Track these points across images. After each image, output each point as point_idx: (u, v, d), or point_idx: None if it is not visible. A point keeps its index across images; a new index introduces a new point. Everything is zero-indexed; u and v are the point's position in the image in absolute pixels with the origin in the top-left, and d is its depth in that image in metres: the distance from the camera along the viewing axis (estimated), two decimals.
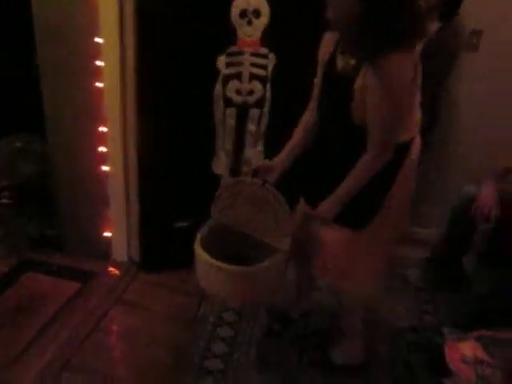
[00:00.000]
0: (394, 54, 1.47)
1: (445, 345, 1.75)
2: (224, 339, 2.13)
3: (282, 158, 1.87)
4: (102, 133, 2.29)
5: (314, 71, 2.41)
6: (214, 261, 1.68)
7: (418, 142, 1.77)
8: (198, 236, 1.81)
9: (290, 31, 2.18)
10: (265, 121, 2.33)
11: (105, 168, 2.36)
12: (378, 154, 1.61)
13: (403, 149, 1.69)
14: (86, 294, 2.34)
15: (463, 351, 1.72)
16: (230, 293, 1.78)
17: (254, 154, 2.40)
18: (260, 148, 2.40)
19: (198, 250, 1.74)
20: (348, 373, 1.98)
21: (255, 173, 1.84)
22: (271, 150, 2.40)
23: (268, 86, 2.27)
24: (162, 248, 2.49)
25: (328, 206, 1.71)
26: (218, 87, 2.22)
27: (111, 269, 2.51)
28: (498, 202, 2.18)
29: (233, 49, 2.17)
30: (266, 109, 2.31)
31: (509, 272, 2.16)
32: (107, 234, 2.50)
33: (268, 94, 2.29)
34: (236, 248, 1.84)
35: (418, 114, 1.74)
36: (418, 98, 1.70)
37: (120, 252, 2.53)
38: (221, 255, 1.71)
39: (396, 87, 1.50)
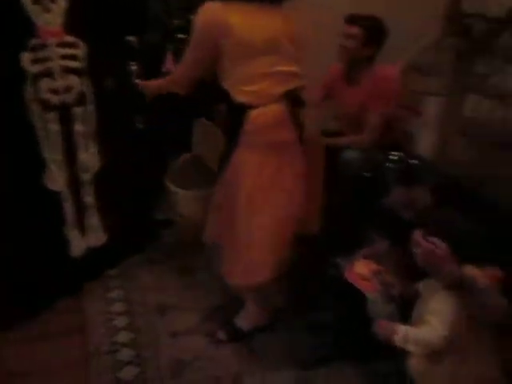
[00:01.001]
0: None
1: (344, 273, 1.93)
2: (131, 362, 1.91)
3: None
4: None
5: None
6: (174, 187, 2.39)
7: (265, 113, 1.76)
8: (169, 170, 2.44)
9: (96, 13, 1.97)
10: (92, 118, 2.08)
11: None
12: None
13: (239, 110, 1.76)
14: None
15: (359, 271, 1.93)
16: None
17: (88, 157, 2.12)
18: (94, 149, 2.13)
19: (166, 181, 2.42)
20: (261, 333, 2.03)
21: None
22: (108, 149, 2.18)
23: (85, 78, 2.01)
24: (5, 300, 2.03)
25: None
26: (29, 89, 1.86)
27: None
28: None
29: (35, 42, 1.84)
30: (89, 104, 2.05)
31: None
32: None
33: (87, 88, 2.03)
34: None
35: (267, 83, 1.75)
36: (265, 65, 1.73)
37: None
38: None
39: (194, 29, 1.76)
